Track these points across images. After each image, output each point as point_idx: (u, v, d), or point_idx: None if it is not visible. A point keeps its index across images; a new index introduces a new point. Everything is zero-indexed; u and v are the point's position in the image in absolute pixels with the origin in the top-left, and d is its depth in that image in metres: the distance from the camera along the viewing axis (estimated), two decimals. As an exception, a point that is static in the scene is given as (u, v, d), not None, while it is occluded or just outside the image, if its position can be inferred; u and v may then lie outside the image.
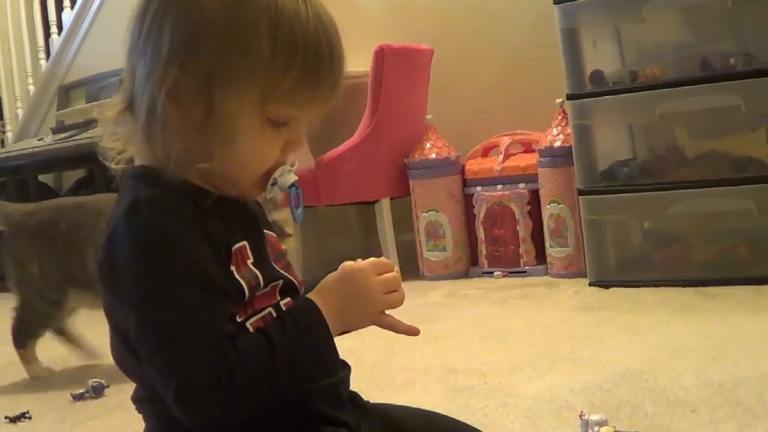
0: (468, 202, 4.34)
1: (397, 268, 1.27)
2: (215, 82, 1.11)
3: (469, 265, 4.38)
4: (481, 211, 4.25)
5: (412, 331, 1.28)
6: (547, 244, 4.05)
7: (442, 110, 4.62)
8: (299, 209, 1.27)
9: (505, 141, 4.36)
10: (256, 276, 1.17)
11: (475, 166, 4.34)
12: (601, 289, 3.56)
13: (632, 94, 3.61)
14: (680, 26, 3.85)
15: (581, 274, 3.82)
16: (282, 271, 1.23)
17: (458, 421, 1.44)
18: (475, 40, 4.82)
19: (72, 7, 6.50)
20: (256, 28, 1.11)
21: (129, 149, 1.22)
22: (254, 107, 1.13)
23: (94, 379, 2.75)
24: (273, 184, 1.20)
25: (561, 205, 3.94)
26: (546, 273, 4.08)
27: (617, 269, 3.78)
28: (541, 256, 4.14)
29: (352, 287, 1.22)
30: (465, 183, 4.36)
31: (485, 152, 4.47)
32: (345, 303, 1.20)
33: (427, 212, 4.35)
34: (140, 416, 1.21)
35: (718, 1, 3.45)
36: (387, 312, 1.25)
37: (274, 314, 1.18)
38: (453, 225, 4.33)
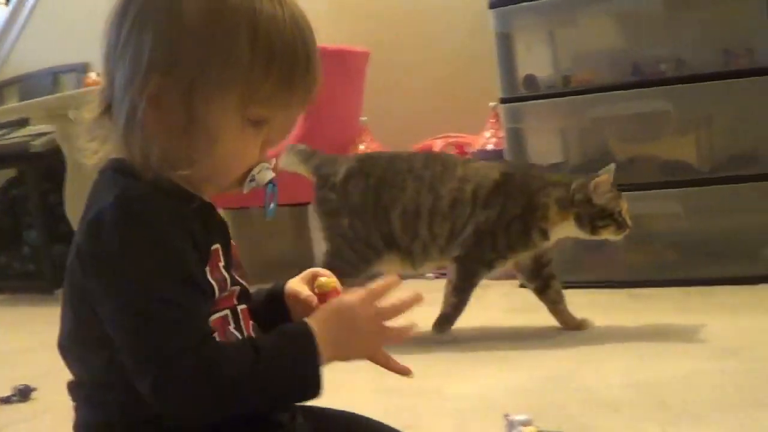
0: (403, 204, 4.34)
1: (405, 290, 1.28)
2: (197, 89, 1.12)
3: (403, 267, 4.38)
4: (415, 213, 4.25)
5: (405, 371, 1.29)
6: (480, 246, 4.06)
7: (377, 112, 4.64)
8: (272, 206, 1.29)
9: (440, 143, 4.37)
10: (225, 279, 1.19)
11: (409, 168, 4.34)
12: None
13: (565, 98, 3.66)
14: (613, 32, 3.90)
15: (512, 276, 3.83)
16: (239, 279, 1.24)
17: (381, 423, 1.45)
18: (411, 43, 4.84)
19: (6, 4, 6.42)
20: (236, 35, 1.12)
21: (103, 150, 1.22)
22: (235, 110, 1.14)
23: (21, 382, 2.71)
24: (251, 181, 1.22)
25: (494, 208, 3.95)
26: (477, 275, 4.08)
27: (548, 271, 3.81)
28: (474, 259, 4.14)
29: (349, 324, 1.21)
30: (399, 185, 4.36)
31: (420, 154, 4.48)
32: (340, 336, 1.20)
33: (361, 214, 4.34)
34: (68, 419, 1.20)
35: (651, 8, 3.50)
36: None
37: (230, 316, 1.20)
38: (388, 227, 4.32)
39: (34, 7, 6.25)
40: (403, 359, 2.65)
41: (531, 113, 3.79)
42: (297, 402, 1.21)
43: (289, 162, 3.17)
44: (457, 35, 4.69)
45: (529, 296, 3.49)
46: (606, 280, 3.51)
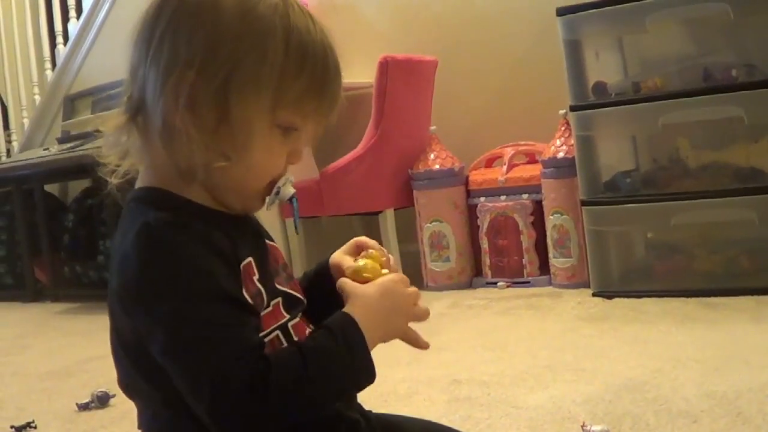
0: (472, 212, 4.35)
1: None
2: (231, 86, 1.14)
3: (473, 276, 4.39)
4: (484, 222, 4.26)
5: (426, 346, 1.30)
6: (550, 255, 4.06)
7: (446, 121, 4.64)
8: (298, 220, 1.30)
9: (509, 152, 4.37)
10: (260, 292, 1.19)
11: (478, 176, 4.36)
12: (604, 299, 3.57)
13: (635, 105, 3.63)
14: (683, 38, 3.87)
15: (584, 285, 3.83)
16: (280, 287, 1.25)
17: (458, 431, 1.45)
18: (479, 51, 4.83)
19: (78, 18, 6.52)
20: (272, 35, 1.15)
21: (125, 163, 1.24)
22: (266, 112, 1.16)
23: (100, 389, 2.76)
24: (276, 194, 1.22)
25: (564, 216, 3.95)
26: (549, 283, 4.09)
27: (620, 280, 3.79)
28: (544, 267, 4.15)
29: (390, 302, 1.23)
30: (469, 194, 4.38)
31: (489, 163, 4.49)
32: (384, 316, 1.21)
33: (431, 223, 4.36)
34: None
35: (721, 13, 3.47)
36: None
37: (281, 336, 1.21)
38: (457, 235, 4.34)
39: (104, 20, 6.34)
40: (478, 366, 2.66)
41: (601, 120, 3.78)
42: (354, 392, 1.22)
43: None
44: (525, 43, 4.67)
45: (602, 304, 3.48)
46: (678, 289, 3.47)
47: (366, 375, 1.17)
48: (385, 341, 1.22)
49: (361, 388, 1.19)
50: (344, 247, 1.39)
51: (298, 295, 1.29)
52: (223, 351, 1.07)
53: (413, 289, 1.27)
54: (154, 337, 1.10)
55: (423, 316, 1.27)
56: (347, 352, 1.14)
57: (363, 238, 1.38)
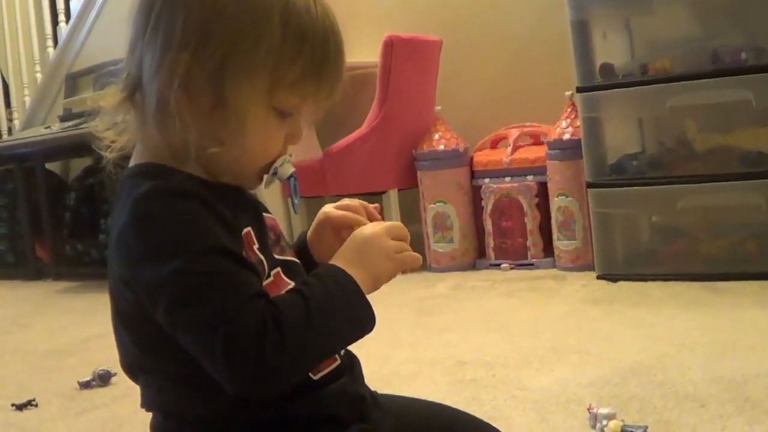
0: (476, 193, 4.33)
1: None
2: (226, 69, 1.12)
3: (477, 257, 4.37)
4: (488, 203, 4.24)
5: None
6: (554, 237, 4.04)
7: (451, 101, 4.62)
8: (297, 200, 1.28)
9: (514, 133, 4.35)
10: (262, 261, 1.17)
11: (483, 157, 4.33)
12: (609, 282, 3.56)
13: (642, 87, 3.60)
14: (691, 19, 3.84)
15: (589, 268, 3.81)
16: (278, 257, 1.23)
17: (464, 412, 1.44)
18: (485, 31, 4.81)
19: (80, -5, 6.50)
20: (268, 16, 1.12)
21: (122, 139, 1.22)
22: (262, 95, 1.14)
23: (101, 367, 2.74)
24: (273, 174, 1.21)
25: (569, 198, 3.93)
26: (553, 266, 4.07)
27: (625, 263, 3.77)
28: (548, 249, 4.13)
29: (371, 247, 1.20)
30: (473, 175, 4.35)
31: (494, 144, 4.47)
32: (360, 257, 1.19)
33: (434, 204, 4.34)
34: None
35: (729, -5, 3.45)
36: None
37: None
38: (460, 217, 4.32)
39: (107, -3, 6.32)
40: (482, 348, 2.64)
41: (608, 102, 3.75)
42: (359, 331, 1.16)
43: None
44: (531, 23, 4.65)
45: (606, 287, 3.47)
46: (683, 273, 3.46)
47: (363, 308, 1.14)
48: (376, 285, 1.19)
49: (363, 323, 1.15)
50: (315, 225, 1.39)
51: (297, 261, 1.27)
52: (230, 297, 1.05)
53: (399, 230, 1.25)
54: (158, 300, 1.07)
55: (411, 261, 1.24)
56: (336, 286, 1.13)
57: (329, 211, 1.37)
